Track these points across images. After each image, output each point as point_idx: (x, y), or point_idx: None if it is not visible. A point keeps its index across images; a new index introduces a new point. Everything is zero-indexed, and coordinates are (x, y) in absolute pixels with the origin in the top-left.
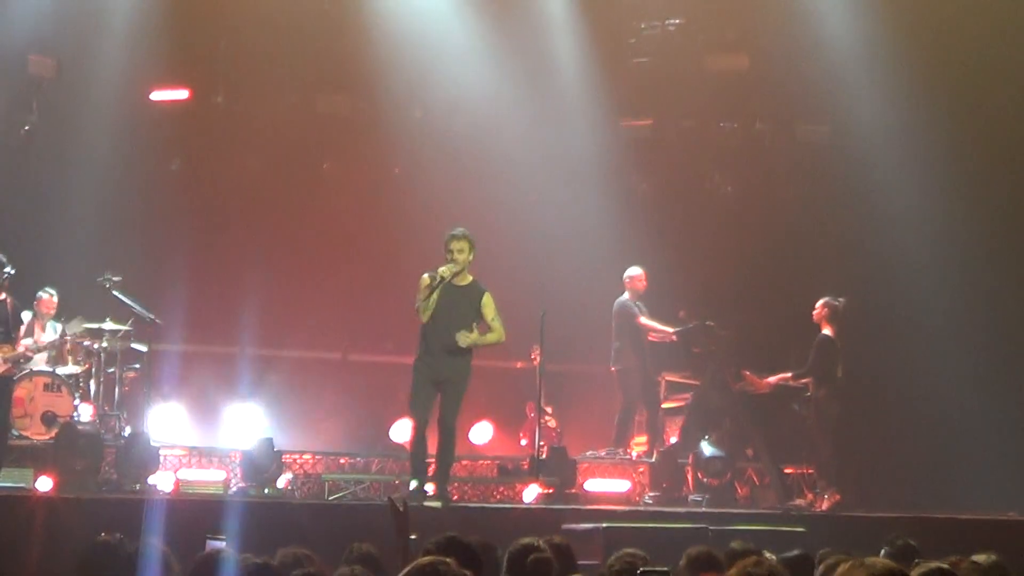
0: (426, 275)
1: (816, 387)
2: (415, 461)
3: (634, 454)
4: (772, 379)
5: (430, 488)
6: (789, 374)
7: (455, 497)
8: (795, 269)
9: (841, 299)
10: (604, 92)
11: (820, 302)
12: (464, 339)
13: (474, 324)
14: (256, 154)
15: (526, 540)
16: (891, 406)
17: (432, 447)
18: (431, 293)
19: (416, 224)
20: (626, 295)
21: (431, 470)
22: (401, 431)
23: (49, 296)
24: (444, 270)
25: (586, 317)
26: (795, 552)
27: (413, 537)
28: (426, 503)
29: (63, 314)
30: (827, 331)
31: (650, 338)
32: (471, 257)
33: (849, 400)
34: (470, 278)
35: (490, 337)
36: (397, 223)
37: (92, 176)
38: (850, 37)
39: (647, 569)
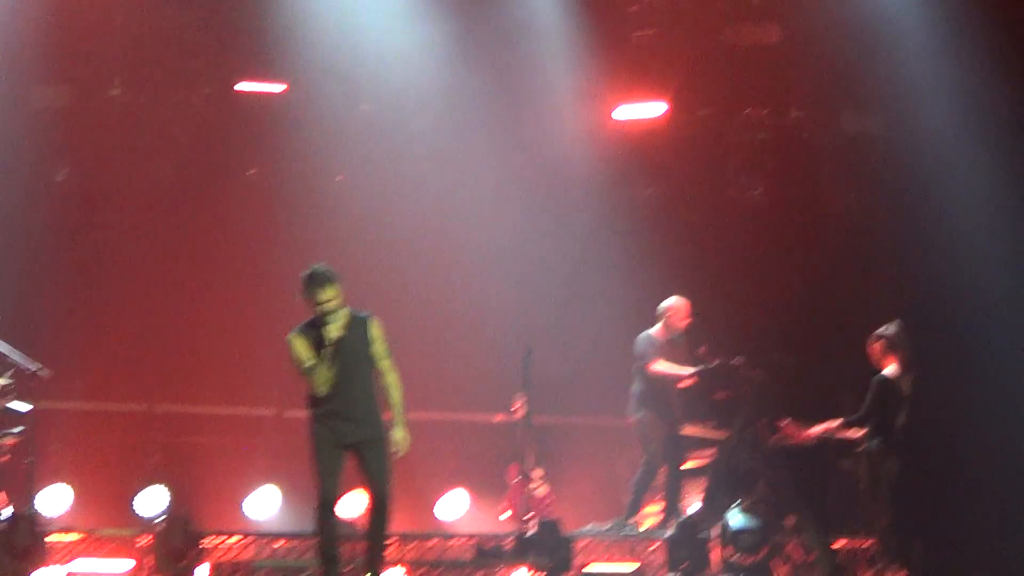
0: (293, 334)
1: (871, 438)
2: (327, 548)
3: (644, 527)
4: (816, 429)
5: None
6: (837, 422)
7: None
8: (843, 290)
9: (892, 326)
10: (598, 75)
11: (875, 337)
12: (406, 443)
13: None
14: (163, 159)
15: None
16: (966, 461)
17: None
18: (326, 363)
19: (364, 244)
20: (654, 329)
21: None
22: (451, 506)
23: None
24: (333, 330)
25: (581, 357)
26: None
27: None
28: None
29: None
30: (888, 370)
31: (674, 383)
32: (342, 298)
33: (912, 454)
34: (346, 310)
35: (395, 395)
36: (341, 242)
37: None
38: (906, 4)
39: None
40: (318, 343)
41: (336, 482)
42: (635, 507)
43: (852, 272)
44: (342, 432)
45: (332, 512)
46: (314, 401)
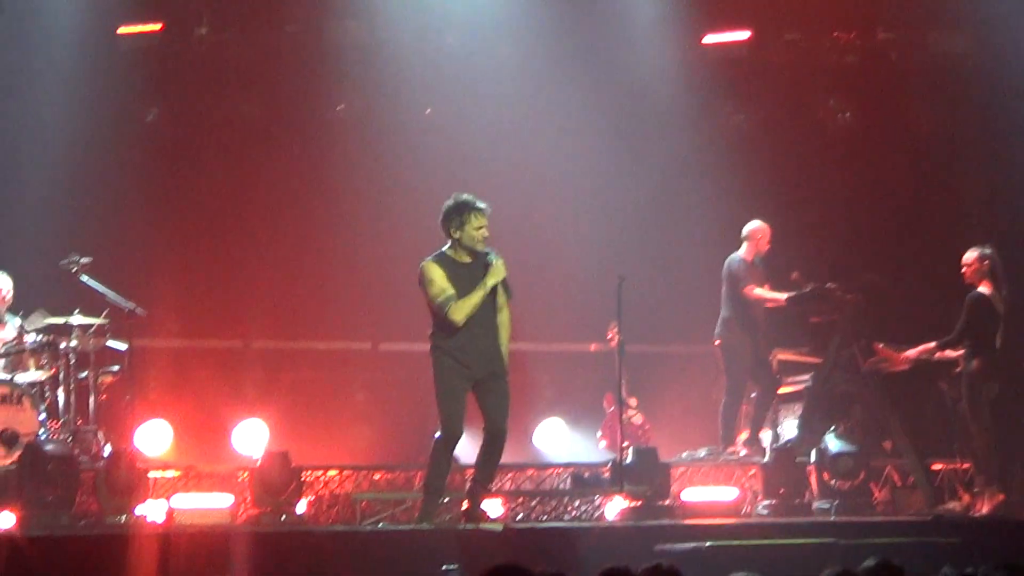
0: (429, 261)
1: (968, 359)
2: (436, 481)
3: (741, 453)
4: (912, 352)
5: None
6: (933, 344)
7: (519, 516)
8: (935, 215)
9: (991, 248)
10: (684, 1)
11: (971, 256)
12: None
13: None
14: (251, 98)
15: (613, 567)
16: None
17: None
18: (481, 289)
19: (452, 177)
20: (741, 251)
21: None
22: (547, 436)
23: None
24: (501, 267)
25: (675, 284)
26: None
27: (454, 567)
28: (483, 525)
29: (20, 307)
30: (983, 288)
31: (767, 306)
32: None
33: (1011, 375)
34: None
35: (506, 335)
36: (429, 176)
37: (49, 134)
38: None
39: None
40: (457, 272)
41: (462, 420)
42: (728, 435)
43: (942, 193)
44: (473, 365)
45: (452, 449)
46: (445, 334)
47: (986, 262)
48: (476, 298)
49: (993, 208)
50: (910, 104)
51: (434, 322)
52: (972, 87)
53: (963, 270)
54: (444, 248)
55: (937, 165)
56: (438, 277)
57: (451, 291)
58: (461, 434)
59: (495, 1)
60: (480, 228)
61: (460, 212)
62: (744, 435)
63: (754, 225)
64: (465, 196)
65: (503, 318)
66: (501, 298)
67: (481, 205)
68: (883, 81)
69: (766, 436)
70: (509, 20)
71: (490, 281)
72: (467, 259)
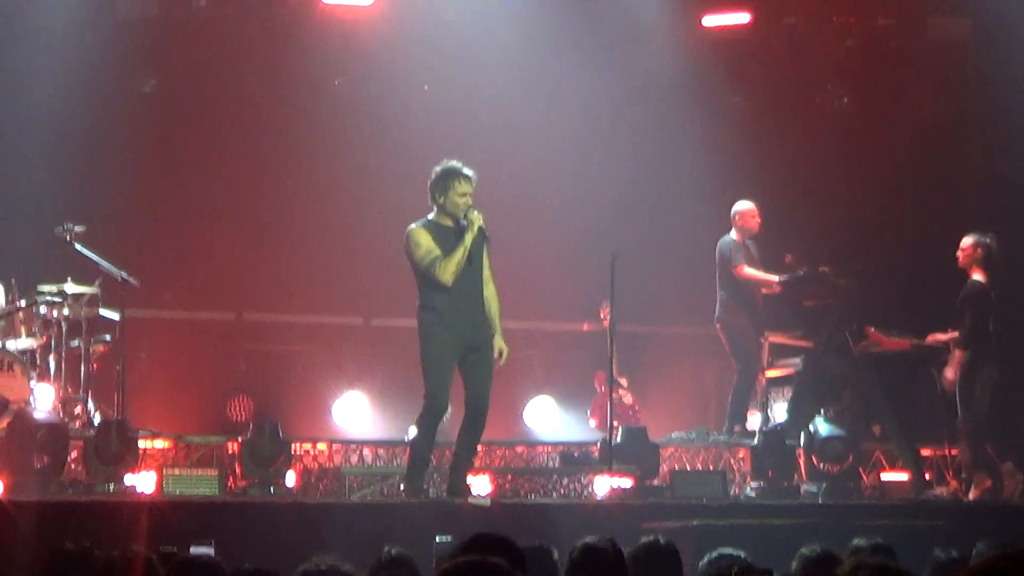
0: (416, 226)
1: (964, 346)
2: (422, 453)
3: (731, 435)
4: (944, 336)
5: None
6: (945, 336)
7: (508, 493)
8: (932, 200)
9: (991, 236)
10: None
11: (968, 242)
12: (506, 352)
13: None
14: (249, 70)
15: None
16: None
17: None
18: (463, 244)
19: (450, 153)
20: (732, 234)
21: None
22: (537, 414)
23: None
24: (477, 217)
25: (668, 264)
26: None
27: (448, 539)
28: (471, 499)
29: (13, 273)
30: (978, 276)
31: (762, 289)
32: None
33: (1004, 362)
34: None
35: (495, 306)
36: (426, 151)
37: (44, 102)
38: None
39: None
40: (442, 237)
41: (447, 392)
42: (739, 416)
43: (939, 179)
44: (460, 335)
45: (438, 420)
46: (433, 303)
47: (979, 250)
48: (459, 254)
49: (990, 194)
50: (909, 89)
51: (422, 290)
52: (971, 73)
53: (958, 254)
54: (430, 215)
55: (935, 151)
56: (424, 240)
57: (437, 252)
58: (447, 406)
59: None
60: (464, 195)
61: (446, 178)
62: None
63: (741, 205)
64: (453, 162)
65: (492, 290)
66: (487, 271)
67: (467, 172)
68: (882, 66)
69: (755, 419)
70: None
71: (468, 235)
72: (451, 224)
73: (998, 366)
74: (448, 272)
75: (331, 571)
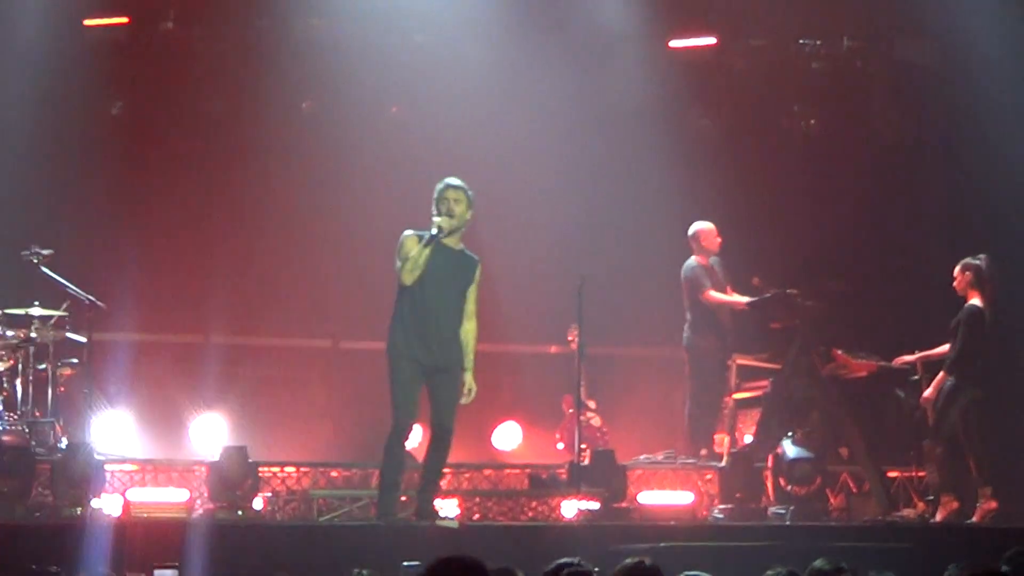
0: (410, 232)
1: (949, 369)
2: (391, 476)
3: (698, 459)
4: (911, 357)
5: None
6: (912, 356)
7: (475, 516)
8: (898, 222)
9: (982, 257)
10: (648, 5)
11: (957, 268)
12: (474, 390)
13: (466, 299)
14: (216, 93)
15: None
16: None
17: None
18: (425, 248)
19: (418, 175)
20: (694, 258)
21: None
22: (505, 437)
23: None
24: (442, 220)
25: (636, 285)
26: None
27: (415, 564)
28: (439, 522)
29: None
30: (975, 300)
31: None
32: (468, 216)
33: (989, 385)
34: (462, 244)
35: (472, 342)
36: (396, 174)
37: (11, 124)
38: None
39: None
40: (424, 236)
41: (415, 411)
42: (701, 439)
43: (905, 201)
44: (427, 355)
45: (404, 441)
46: (402, 311)
47: (968, 273)
48: (417, 254)
49: (956, 215)
50: (875, 111)
51: (396, 300)
52: (937, 95)
53: (954, 284)
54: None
55: (901, 172)
56: (408, 245)
57: (408, 255)
58: (413, 425)
59: (463, 1)
60: (444, 201)
61: (437, 191)
62: (720, 436)
63: (699, 226)
64: (450, 177)
65: (471, 327)
66: (472, 307)
67: (449, 182)
68: (848, 88)
69: (723, 441)
70: (477, 20)
71: (433, 230)
72: (454, 242)
73: (983, 387)
74: (406, 272)
75: None
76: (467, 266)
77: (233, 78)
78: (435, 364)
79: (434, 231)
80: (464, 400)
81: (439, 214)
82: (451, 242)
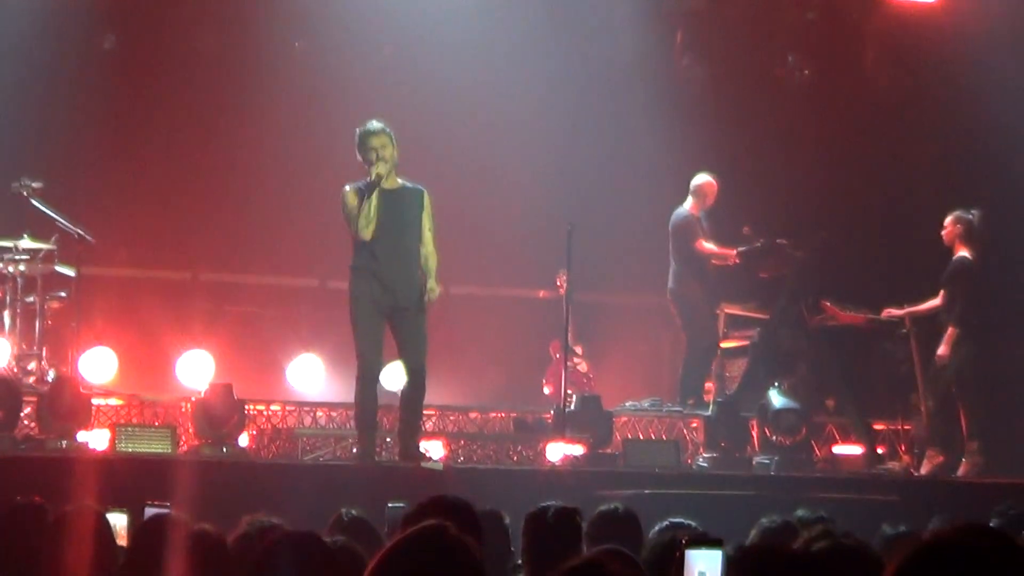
0: (348, 187)
1: (957, 323)
2: (366, 417)
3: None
4: (900, 312)
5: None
6: (926, 306)
7: (460, 459)
8: (889, 173)
9: (973, 211)
10: None
11: (948, 218)
12: (436, 291)
13: (421, 232)
14: (209, 29)
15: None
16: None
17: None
18: (371, 197)
19: (411, 117)
20: (687, 205)
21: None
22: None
23: None
24: (378, 166)
25: (624, 233)
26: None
27: (401, 504)
28: (424, 464)
29: None
30: (963, 252)
31: (713, 262)
32: (395, 154)
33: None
34: (399, 180)
35: (432, 263)
36: (388, 114)
37: (2, 56)
38: None
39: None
40: (361, 189)
41: (378, 351)
42: (692, 389)
43: (897, 153)
44: (386, 296)
45: (374, 381)
46: (360, 261)
47: (959, 226)
48: (367, 209)
49: (948, 168)
50: (869, 62)
51: (353, 251)
52: (931, 46)
53: (942, 232)
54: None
55: (894, 123)
56: (351, 200)
57: (357, 211)
58: (379, 367)
59: None
60: (371, 150)
61: (359, 138)
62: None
63: (703, 179)
64: (368, 122)
65: (430, 250)
66: (428, 234)
67: (371, 126)
68: (842, 37)
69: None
70: None
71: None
72: (389, 183)
73: (977, 341)
74: (361, 227)
75: (270, 528)
76: (412, 200)
77: (226, 15)
78: (395, 304)
79: (373, 178)
80: (431, 298)
81: (369, 163)
82: (389, 184)
